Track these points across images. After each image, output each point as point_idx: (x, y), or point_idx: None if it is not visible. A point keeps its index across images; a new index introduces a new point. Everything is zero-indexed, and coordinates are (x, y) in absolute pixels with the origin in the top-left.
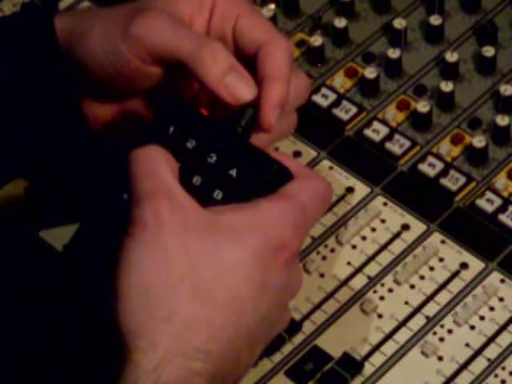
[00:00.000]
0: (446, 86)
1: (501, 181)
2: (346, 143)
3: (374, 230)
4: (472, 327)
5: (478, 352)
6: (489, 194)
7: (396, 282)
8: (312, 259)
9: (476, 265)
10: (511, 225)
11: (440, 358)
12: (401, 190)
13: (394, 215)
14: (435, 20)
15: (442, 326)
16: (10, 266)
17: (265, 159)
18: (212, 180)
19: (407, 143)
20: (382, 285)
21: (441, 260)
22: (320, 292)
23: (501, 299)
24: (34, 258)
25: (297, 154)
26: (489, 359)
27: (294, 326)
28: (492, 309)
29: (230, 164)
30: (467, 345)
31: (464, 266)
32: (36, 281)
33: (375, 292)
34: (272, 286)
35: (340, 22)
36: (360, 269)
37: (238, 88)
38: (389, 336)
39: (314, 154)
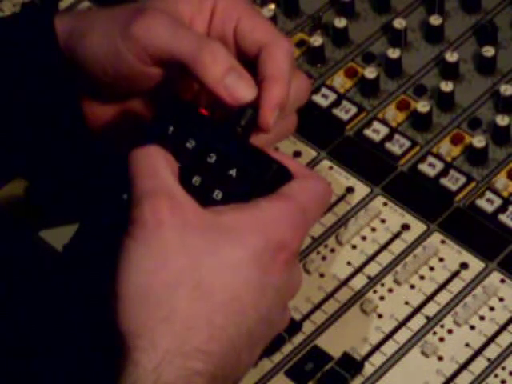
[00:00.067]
0: (446, 86)
1: (501, 181)
2: (346, 143)
3: (373, 230)
4: (472, 327)
5: (478, 352)
6: (489, 194)
7: (396, 281)
8: (312, 259)
9: (476, 265)
10: (511, 225)
11: (440, 358)
12: (401, 189)
13: (393, 215)
14: (435, 20)
15: (442, 326)
16: (10, 265)
17: (265, 159)
18: (212, 180)
19: (407, 143)
20: (382, 285)
21: (441, 260)
22: (320, 292)
23: (501, 299)
24: (33, 258)
25: (297, 154)
26: (489, 359)
27: (294, 326)
28: (492, 309)
29: (229, 164)
30: (467, 345)
31: (464, 266)
32: (36, 281)
33: (375, 292)
34: (272, 286)
35: (340, 22)
36: (360, 269)
37: (237, 88)
38: (389, 336)
39: (313, 154)
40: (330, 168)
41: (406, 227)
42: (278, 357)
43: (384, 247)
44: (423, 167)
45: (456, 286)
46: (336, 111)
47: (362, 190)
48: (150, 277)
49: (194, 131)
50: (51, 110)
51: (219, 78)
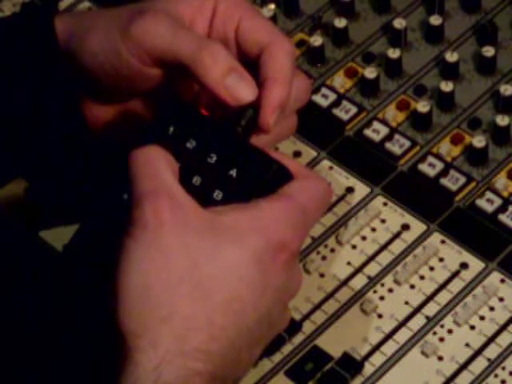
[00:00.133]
0: (446, 86)
1: (501, 181)
2: (346, 143)
3: (373, 230)
4: (472, 327)
5: (478, 352)
6: (489, 194)
7: (396, 281)
8: (312, 259)
9: (476, 265)
10: (511, 225)
11: (440, 358)
12: (401, 190)
13: (394, 215)
14: (435, 20)
15: (442, 326)
16: (10, 265)
17: (265, 159)
18: (212, 180)
19: (407, 143)
20: (382, 285)
21: (441, 260)
22: (320, 292)
23: (501, 299)
24: (33, 257)
25: (297, 154)
26: (489, 359)
27: (294, 326)
28: (492, 309)
29: (229, 164)
30: (467, 345)
31: (464, 265)
32: (36, 281)
33: (375, 292)
34: (272, 286)
35: (340, 22)
36: (360, 269)
37: (238, 89)
38: (389, 336)
39: (313, 154)
40: (330, 168)
41: (406, 227)
42: (278, 357)
43: (384, 247)
44: (423, 167)
45: (456, 285)
46: (336, 111)
47: (361, 189)
48: (150, 277)
49: (194, 131)
50: (51, 110)
51: (220, 79)
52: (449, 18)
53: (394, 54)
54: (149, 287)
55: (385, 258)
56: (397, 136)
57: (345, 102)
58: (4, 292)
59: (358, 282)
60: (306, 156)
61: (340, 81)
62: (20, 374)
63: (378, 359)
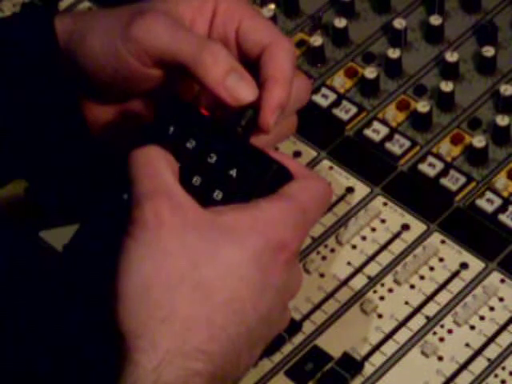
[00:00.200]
0: (446, 86)
1: (501, 181)
2: (346, 143)
3: (373, 230)
4: (472, 327)
5: (478, 352)
6: (489, 194)
7: (396, 281)
8: (312, 259)
9: (476, 265)
10: (511, 225)
11: (440, 358)
12: (401, 190)
13: (394, 215)
14: (435, 20)
15: (442, 326)
16: (10, 265)
17: (265, 159)
18: (212, 180)
19: (407, 143)
20: (382, 285)
21: (441, 260)
22: (320, 292)
23: (501, 299)
24: (33, 257)
25: (297, 154)
26: (489, 359)
27: (294, 326)
28: (492, 309)
29: (229, 164)
30: (467, 345)
31: (464, 265)
32: (36, 281)
33: (375, 292)
34: (272, 286)
35: (340, 22)
36: (360, 269)
37: (238, 89)
38: (389, 336)
39: (314, 154)
40: (330, 168)
41: (406, 227)
42: (278, 357)
43: (384, 247)
44: (423, 167)
45: (456, 285)
46: (336, 111)
47: (361, 189)
48: (150, 277)
49: (194, 131)
50: (51, 110)
51: (220, 79)
52: (449, 17)
53: (393, 54)
54: (149, 287)
55: (385, 258)
56: (397, 136)
57: (345, 102)
58: (4, 292)
59: (358, 282)
60: (305, 156)
61: (340, 81)
62: (20, 373)
63: (377, 359)
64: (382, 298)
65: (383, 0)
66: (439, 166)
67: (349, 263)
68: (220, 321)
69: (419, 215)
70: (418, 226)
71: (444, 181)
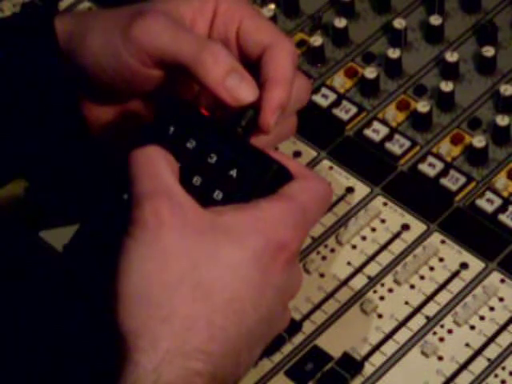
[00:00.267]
0: (446, 86)
1: (501, 181)
2: (346, 143)
3: (373, 230)
4: (472, 327)
5: (478, 352)
6: (489, 194)
7: (396, 281)
8: (312, 259)
9: (476, 265)
10: (511, 225)
11: (440, 358)
12: (401, 190)
13: (394, 215)
14: (435, 20)
15: (442, 326)
16: (10, 265)
17: (265, 159)
18: (212, 180)
19: (407, 143)
20: (382, 285)
21: (441, 260)
22: (320, 292)
23: (501, 299)
24: (33, 257)
25: (297, 154)
26: (489, 359)
27: (294, 326)
28: (492, 309)
29: (230, 164)
30: (467, 345)
31: (464, 265)
32: (36, 281)
33: (375, 292)
34: (272, 286)
35: (340, 22)
36: (360, 269)
37: (239, 90)
38: (389, 336)
39: (314, 154)
40: (330, 168)
41: (406, 227)
42: (278, 357)
43: (384, 247)
44: (423, 167)
45: (456, 285)
46: (336, 111)
47: (361, 190)
48: (150, 277)
49: (194, 131)
50: (51, 110)
51: (220, 80)
52: (449, 17)
53: (393, 54)
54: (149, 287)
55: (385, 258)
56: (397, 136)
57: (345, 102)
58: (4, 292)
59: (358, 282)
60: (306, 156)
61: (340, 81)
62: (20, 373)
63: (377, 359)
64: (382, 298)
65: (383, 0)
66: (439, 166)
67: (349, 263)
68: (220, 321)
69: (419, 215)
70: (417, 226)
71: (444, 181)
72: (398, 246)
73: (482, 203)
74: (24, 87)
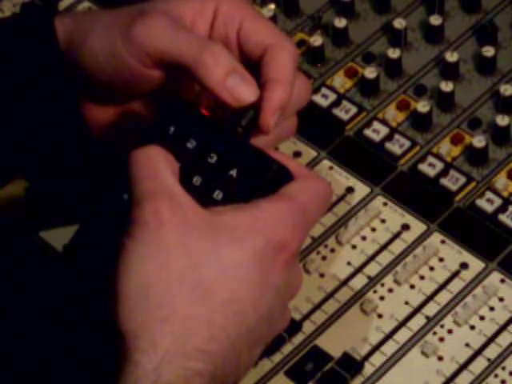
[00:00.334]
0: (446, 86)
1: (501, 181)
2: (346, 143)
3: (373, 230)
4: (472, 327)
5: (478, 352)
6: (489, 194)
7: (396, 281)
8: (312, 259)
9: (476, 265)
10: (511, 225)
11: (440, 358)
12: (401, 190)
13: (394, 215)
14: (435, 20)
15: (442, 326)
16: (10, 266)
17: (265, 159)
18: (212, 180)
19: (407, 143)
20: (382, 285)
21: (441, 260)
22: (320, 292)
23: (501, 299)
24: (34, 258)
25: (297, 154)
26: (489, 359)
27: (294, 326)
28: (492, 309)
29: (230, 164)
30: (467, 345)
31: (464, 265)
32: (36, 281)
33: (375, 292)
34: (272, 286)
35: (340, 22)
36: (360, 269)
37: (239, 90)
38: (389, 336)
39: (313, 154)
40: (330, 168)
41: (406, 227)
42: (278, 357)
43: (384, 247)
44: (423, 167)
45: (456, 285)
46: (336, 111)
47: (361, 190)
48: (150, 277)
49: (194, 131)
50: (51, 111)
51: (221, 80)
52: (449, 17)
53: (393, 54)
54: (149, 287)
55: (385, 258)
56: (397, 136)
57: (345, 102)
58: (4, 292)
59: (358, 282)
60: (306, 156)
61: (340, 81)
62: (20, 373)
63: (377, 359)
64: (382, 298)
65: (383, 0)
66: (439, 166)
67: (349, 263)
68: (220, 321)
69: (419, 215)
70: (417, 226)
71: (444, 181)
72: (397, 246)
73: (481, 203)
74: (24, 87)
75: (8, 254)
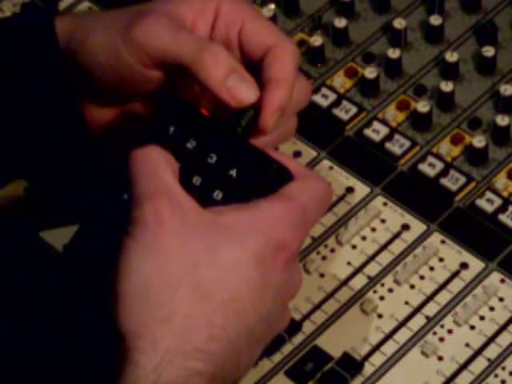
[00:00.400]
0: (446, 86)
1: (501, 181)
2: (345, 143)
3: (373, 230)
4: (472, 327)
5: (478, 352)
6: (489, 194)
7: (396, 281)
8: (312, 259)
9: (476, 265)
10: (511, 225)
11: (440, 358)
12: (401, 190)
13: (394, 215)
14: (435, 20)
15: (442, 326)
16: (10, 266)
17: (265, 159)
18: (212, 180)
19: (407, 143)
20: (382, 285)
21: (441, 260)
22: (320, 292)
23: (501, 299)
24: (34, 258)
25: (297, 154)
26: (489, 359)
27: (294, 326)
28: (492, 309)
29: (230, 164)
30: (467, 345)
31: (464, 265)
32: (36, 281)
33: (375, 292)
34: (272, 286)
35: (340, 22)
36: (360, 269)
37: (239, 90)
38: (389, 336)
39: (314, 154)
40: (330, 168)
41: (406, 227)
42: (278, 357)
43: (384, 247)
44: (423, 167)
45: (456, 285)
46: (336, 111)
47: (361, 189)
48: (150, 277)
49: (194, 131)
50: (51, 111)
51: (221, 81)
52: (449, 17)
53: (393, 54)
54: (149, 287)
55: (385, 258)
56: (397, 136)
57: (345, 102)
58: (4, 292)
59: (358, 282)
60: (306, 156)
61: (340, 81)
62: (21, 373)
63: (377, 359)
64: (382, 298)
65: (383, 0)
66: (439, 166)
67: (349, 263)
68: (220, 321)
69: (419, 215)
70: (417, 226)
71: (444, 181)
72: (397, 246)
73: (481, 203)
74: (24, 88)
75: (8, 254)
